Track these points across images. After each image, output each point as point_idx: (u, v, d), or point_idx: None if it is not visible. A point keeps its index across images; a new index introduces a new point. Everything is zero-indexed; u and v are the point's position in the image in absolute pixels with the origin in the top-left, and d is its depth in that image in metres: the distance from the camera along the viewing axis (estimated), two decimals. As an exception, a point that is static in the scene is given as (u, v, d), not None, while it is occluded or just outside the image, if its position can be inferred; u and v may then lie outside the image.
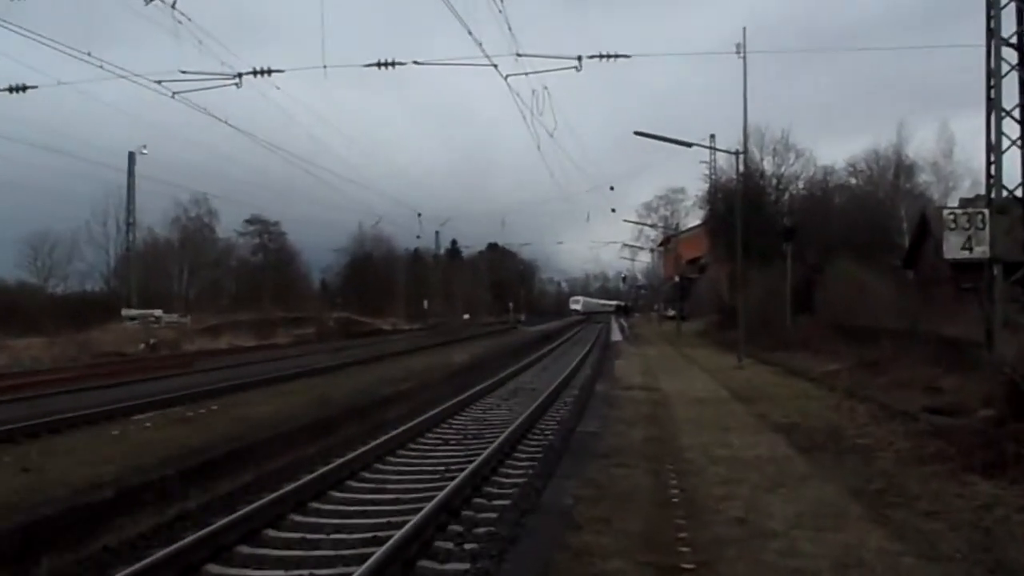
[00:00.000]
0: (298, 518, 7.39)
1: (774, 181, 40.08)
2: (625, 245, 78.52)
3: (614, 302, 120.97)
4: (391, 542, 6.01)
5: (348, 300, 65.33)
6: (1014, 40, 11.99)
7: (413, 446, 11.08)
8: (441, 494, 7.50)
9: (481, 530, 6.84)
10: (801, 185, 40.84)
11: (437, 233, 70.75)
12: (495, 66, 17.46)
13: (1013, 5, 11.93)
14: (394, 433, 11.25)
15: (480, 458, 9.20)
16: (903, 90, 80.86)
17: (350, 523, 7.22)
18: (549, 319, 79.67)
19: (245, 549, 6.45)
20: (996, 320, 12.00)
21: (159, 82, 17.11)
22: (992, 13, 11.97)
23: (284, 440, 10.19)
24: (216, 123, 20.53)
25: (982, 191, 13.71)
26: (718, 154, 41.45)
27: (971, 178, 39.75)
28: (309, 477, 8.44)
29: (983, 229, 12.15)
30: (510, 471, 9.33)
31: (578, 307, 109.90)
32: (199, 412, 12.11)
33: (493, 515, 7.31)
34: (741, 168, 29.24)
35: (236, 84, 17.28)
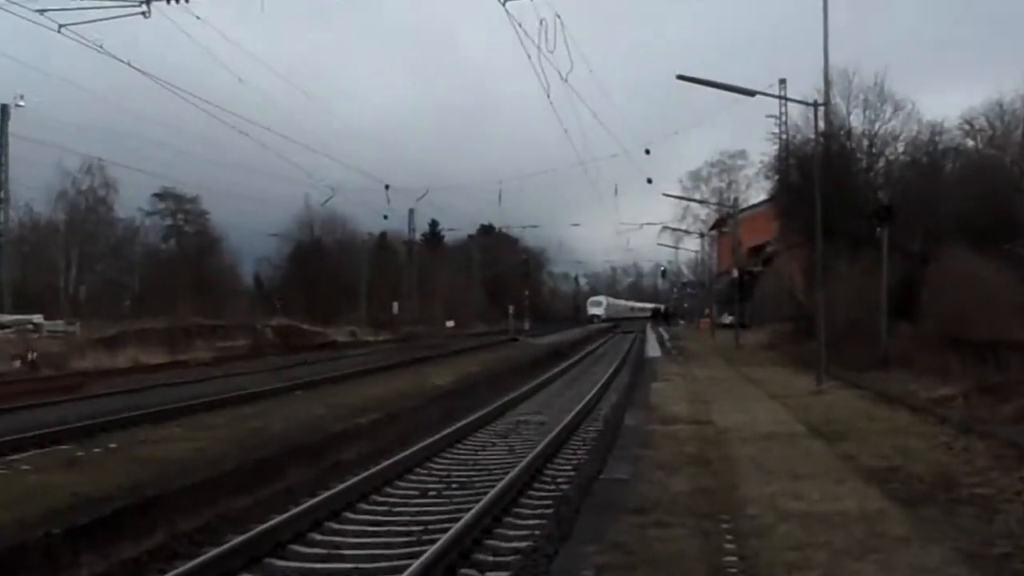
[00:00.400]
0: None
1: (865, 143, 39.96)
2: (665, 228, 78.81)
3: (649, 305, 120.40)
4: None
5: (291, 302, 65.39)
6: None
7: (378, 498, 11.09)
8: (412, 568, 7.52)
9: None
10: (901, 148, 40.67)
11: (411, 212, 70.69)
12: (490, -12, 17.48)
13: None
14: (352, 481, 11.25)
15: (468, 516, 9.21)
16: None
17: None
18: (563, 327, 79.64)
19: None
20: None
21: (42, 11, 17.11)
22: None
23: (205, 489, 10.18)
24: (116, 66, 20.54)
25: None
26: (791, 107, 41.67)
27: None
28: (238, 540, 8.46)
29: None
30: (509, 532, 9.34)
31: (599, 311, 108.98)
32: (93, 452, 12.08)
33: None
34: (821, 124, 29.25)
35: (143, 13, 17.32)
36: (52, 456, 11.87)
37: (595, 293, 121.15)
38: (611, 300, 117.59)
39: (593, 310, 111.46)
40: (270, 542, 8.64)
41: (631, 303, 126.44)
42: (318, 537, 9.23)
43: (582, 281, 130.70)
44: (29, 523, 7.98)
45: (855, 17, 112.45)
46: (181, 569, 7.50)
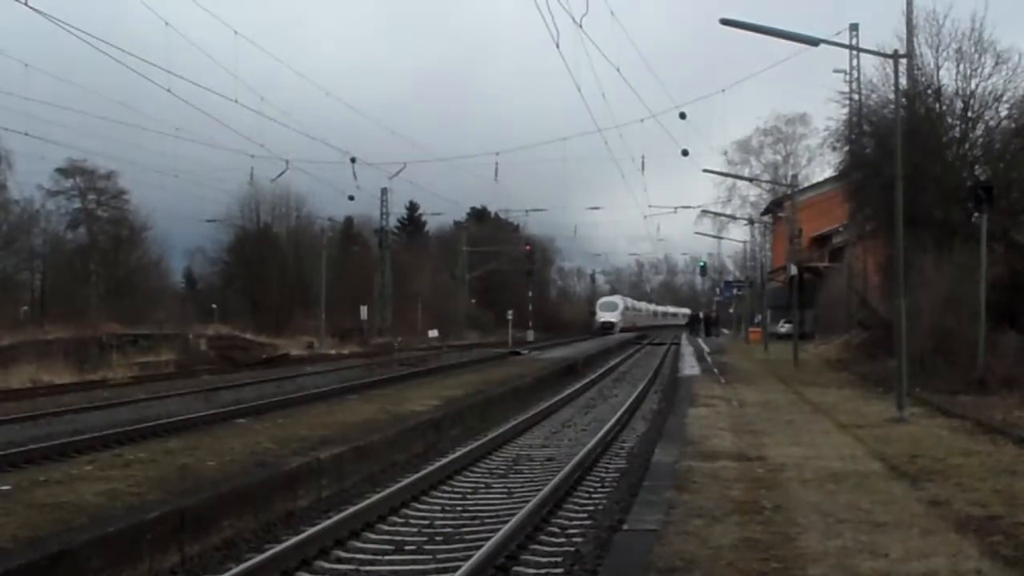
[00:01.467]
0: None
1: (959, 105, 39.90)
2: (705, 213, 78.91)
3: (683, 310, 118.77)
4: None
5: (232, 306, 65.57)
6: None
7: (342, 555, 11.08)
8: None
9: None
10: (1004, 112, 40.51)
11: (384, 192, 70.94)
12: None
13: None
14: (309, 532, 11.24)
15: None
16: None
17: None
18: (575, 337, 79.60)
19: None
20: None
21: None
22: None
23: (123, 543, 10.16)
24: (13, 7, 20.51)
25: None
26: (864, 59, 41.67)
27: None
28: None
29: None
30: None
31: (613, 317, 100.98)
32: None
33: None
34: (903, 83, 29.26)
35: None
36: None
37: (616, 293, 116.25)
38: (631, 302, 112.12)
39: (605, 316, 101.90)
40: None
41: (658, 307, 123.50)
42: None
43: (600, 279, 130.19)
44: None
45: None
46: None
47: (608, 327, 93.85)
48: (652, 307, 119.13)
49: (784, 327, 62.30)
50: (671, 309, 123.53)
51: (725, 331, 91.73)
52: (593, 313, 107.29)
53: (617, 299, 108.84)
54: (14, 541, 9.56)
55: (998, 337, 27.44)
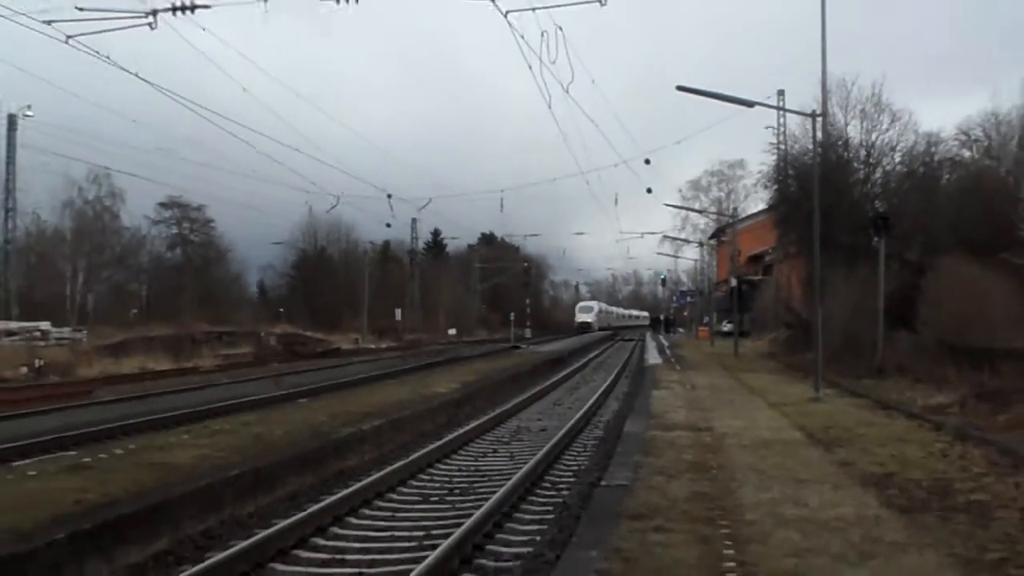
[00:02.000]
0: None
1: (863, 153, 39.82)
2: (665, 238, 78.70)
3: (645, 313, 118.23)
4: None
5: (295, 310, 65.51)
6: None
7: (382, 504, 11.09)
8: (418, 570, 7.51)
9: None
10: (898, 159, 40.51)
11: (414, 221, 71.05)
12: (492, -1, 17.51)
13: None
14: (356, 487, 11.26)
15: (469, 522, 9.20)
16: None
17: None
18: (563, 335, 79.57)
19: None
20: None
21: (49, 22, 17.11)
22: None
23: (210, 495, 10.18)
24: (123, 76, 20.52)
25: None
26: (789, 117, 41.57)
27: None
28: (243, 545, 8.45)
29: None
30: (511, 538, 9.34)
31: (589, 318, 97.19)
32: (99, 457, 12.05)
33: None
34: (819, 135, 29.23)
35: (150, 24, 17.35)
36: (57, 462, 11.84)
37: (595, 300, 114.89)
38: (604, 306, 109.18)
39: (583, 317, 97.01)
40: (273, 548, 8.64)
41: (627, 310, 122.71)
42: (321, 542, 9.23)
43: (583, 289, 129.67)
44: (32, 529, 7.96)
45: (853, 28, 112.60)
46: (184, 574, 7.51)
47: (586, 326, 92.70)
48: (621, 311, 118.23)
49: (727, 327, 62.12)
50: (635, 312, 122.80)
51: (680, 330, 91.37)
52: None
53: (593, 303, 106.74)
54: (126, 492, 9.59)
55: (893, 335, 27.45)
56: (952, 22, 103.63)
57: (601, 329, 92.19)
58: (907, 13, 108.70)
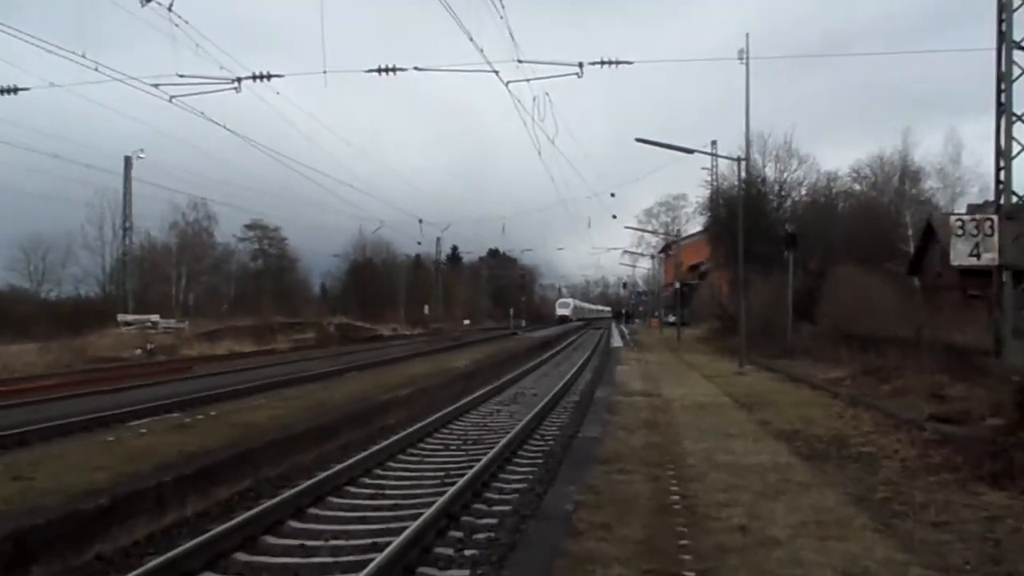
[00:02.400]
0: (296, 524, 7.35)
1: (776, 187, 39.95)
2: (626, 252, 78.80)
3: (607, 308, 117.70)
4: (391, 548, 5.97)
5: (348, 305, 65.22)
6: (1025, 43, 12.02)
7: (413, 451, 11.05)
8: (440, 501, 7.45)
9: (482, 536, 6.80)
10: (804, 191, 40.72)
11: (438, 239, 70.58)
12: (496, 72, 17.46)
13: (1024, 8, 11.96)
14: (393, 439, 11.22)
15: (478, 466, 9.15)
16: (909, 95, 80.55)
17: (348, 529, 7.18)
18: (550, 325, 79.62)
19: (243, 556, 6.41)
20: (1005, 328, 11.96)
21: (156, 85, 17.02)
22: (1004, 16, 11.95)
23: (282, 446, 10.13)
24: (215, 128, 20.45)
25: (991, 197, 13.67)
26: (720, 160, 41.55)
27: (979, 184, 39.96)
28: (307, 483, 8.41)
29: (992, 236, 12.12)
30: (510, 477, 9.28)
31: (567, 312, 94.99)
32: (197, 418, 12.02)
33: (494, 520, 7.28)
34: (743, 174, 29.24)
35: (235, 89, 17.24)
36: (164, 422, 11.81)
37: (572, 297, 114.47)
38: (578, 303, 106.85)
39: (562, 311, 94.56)
40: (330, 485, 8.59)
41: (595, 306, 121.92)
42: (367, 481, 9.18)
43: (564, 290, 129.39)
44: (145, 474, 7.92)
45: (771, 90, 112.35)
46: (262, 506, 7.46)
47: (565, 318, 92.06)
48: (591, 306, 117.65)
49: (671, 318, 62.00)
50: (602, 307, 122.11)
51: (637, 321, 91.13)
52: None
53: (569, 300, 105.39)
54: (217, 445, 9.55)
55: (799, 325, 27.45)
56: (847, 87, 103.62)
57: (576, 320, 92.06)
58: (812, 81, 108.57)
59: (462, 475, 8.72)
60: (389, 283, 73.87)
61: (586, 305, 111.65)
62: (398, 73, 17.68)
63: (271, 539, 6.88)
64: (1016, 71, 11.97)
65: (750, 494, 7.19)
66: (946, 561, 5.34)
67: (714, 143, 44.42)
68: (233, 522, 6.87)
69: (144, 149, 41.97)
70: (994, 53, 12.06)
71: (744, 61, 28.43)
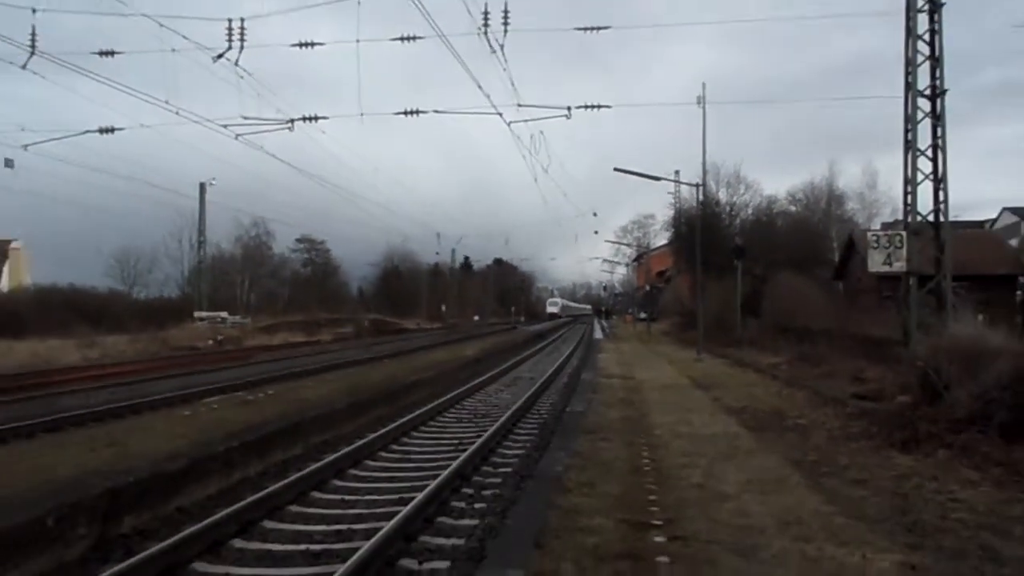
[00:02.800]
0: (338, 483, 7.36)
1: (728, 208, 40.14)
2: (605, 260, 78.55)
3: (589, 306, 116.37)
4: (414, 502, 5.98)
5: (380, 304, 65.14)
6: (928, 92, 12.10)
7: (432, 423, 11.05)
8: (454, 464, 7.47)
9: (488, 492, 6.81)
10: (750, 211, 40.90)
11: (453, 250, 70.44)
12: (500, 114, 17.39)
13: (927, 63, 12.04)
14: (418, 413, 11.23)
15: (486, 435, 9.17)
16: (834, 133, 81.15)
17: (380, 487, 7.20)
18: (543, 320, 79.65)
19: (296, 508, 6.44)
20: (912, 322, 12.03)
21: (225, 126, 17.04)
22: (909, 70, 12.07)
23: (326, 419, 10.15)
24: (272, 160, 20.53)
25: (900, 216, 13.71)
26: (682, 186, 41.42)
27: (891, 206, 39.95)
28: (347, 449, 8.42)
29: (901, 248, 12.28)
30: (513, 444, 9.29)
31: (555, 309, 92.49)
32: (257, 396, 12.06)
33: (498, 480, 7.30)
34: (700, 197, 29.31)
35: (289, 128, 17.20)
36: (231, 399, 11.83)
37: (561, 298, 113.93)
38: (565, 301, 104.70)
39: (551, 308, 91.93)
40: (367, 451, 8.61)
41: (580, 305, 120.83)
42: (396, 447, 9.19)
43: (555, 292, 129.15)
44: (216, 441, 7.95)
45: (723, 129, 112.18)
46: (310, 467, 7.48)
47: (554, 315, 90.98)
48: (576, 304, 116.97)
49: (642, 315, 61.89)
50: (585, 306, 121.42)
51: (614, 317, 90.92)
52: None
53: (558, 299, 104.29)
54: (274, 417, 9.57)
55: (746, 320, 27.43)
56: (785, 126, 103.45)
57: (565, 316, 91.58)
58: (756, 122, 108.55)
59: (472, 443, 8.73)
60: (413, 286, 73.80)
61: (573, 304, 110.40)
62: (421, 115, 17.66)
63: (318, 494, 6.90)
64: (920, 114, 12.06)
65: (706, 458, 7.21)
66: (863, 511, 5.36)
67: (677, 172, 44.11)
68: (287, 480, 6.89)
69: (215, 177, 42.01)
70: (902, 100, 12.15)
71: (702, 106, 28.35)
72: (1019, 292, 23.20)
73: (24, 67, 13.72)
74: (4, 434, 8.95)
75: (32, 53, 13.70)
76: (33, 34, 13.75)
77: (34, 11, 13.94)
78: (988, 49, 74.30)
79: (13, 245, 51.33)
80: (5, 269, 50.37)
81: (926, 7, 11.94)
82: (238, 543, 5.49)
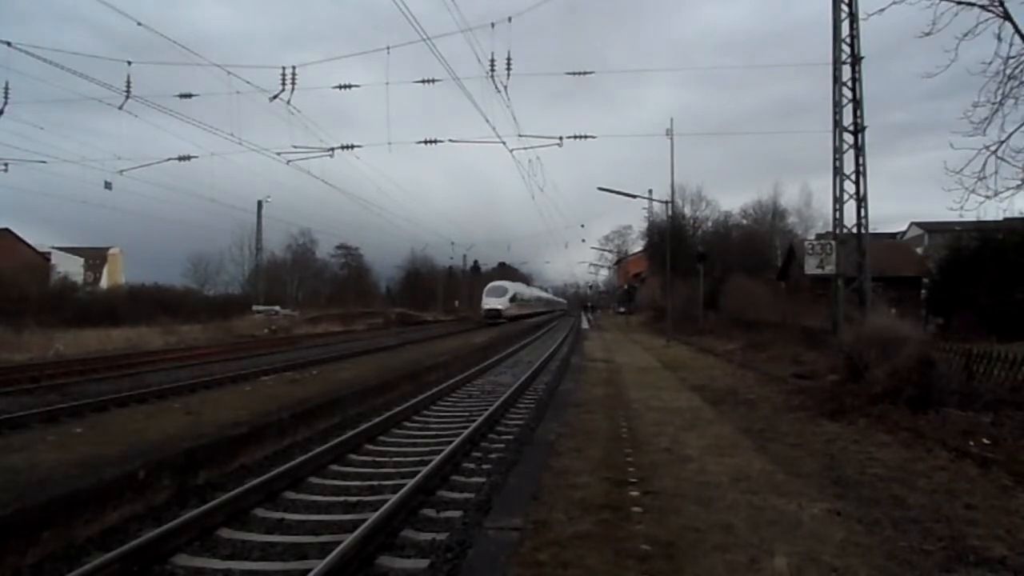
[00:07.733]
0: (371, 447, 7.42)
1: (692, 221, 40.18)
2: (591, 264, 78.30)
3: (563, 299, 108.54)
4: (433, 463, 6.04)
5: (404, 300, 65.25)
6: (851, 128, 12.16)
7: (448, 398, 11.08)
8: (465, 432, 7.52)
9: (493, 455, 6.86)
10: (710, 224, 40.98)
11: (464, 255, 70.80)
12: (504, 143, 17.53)
13: (851, 105, 12.13)
14: (435, 390, 11.25)
15: (491, 408, 9.21)
16: (777, 160, 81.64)
17: (405, 450, 7.25)
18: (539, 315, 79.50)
19: (336, 467, 6.51)
20: (839, 315, 12.12)
21: (278, 154, 17.21)
22: (836, 110, 12.18)
23: (360, 394, 10.20)
24: (317, 181, 20.77)
25: (831, 228, 13.74)
26: (654, 203, 41.36)
27: (823, 220, 40.05)
28: (377, 419, 8.47)
29: (831, 254, 12.42)
30: (514, 415, 9.32)
31: (499, 306, 46.36)
32: (304, 375, 12.13)
33: (502, 445, 7.34)
34: (670, 212, 29.29)
35: (330, 155, 17.32)
36: (283, 378, 11.89)
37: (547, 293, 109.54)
38: (520, 288, 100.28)
39: (492, 304, 43.11)
40: (393, 421, 8.65)
41: (552, 296, 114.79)
42: (417, 418, 9.23)
43: (549, 291, 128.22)
44: (271, 412, 8.00)
45: (688, 155, 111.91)
46: (347, 434, 7.53)
47: (494, 315, 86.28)
48: (546, 295, 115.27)
49: (622, 309, 61.83)
50: (558, 299, 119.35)
51: (599, 311, 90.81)
52: (550, 305, 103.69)
53: (506, 284, 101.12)
54: (318, 393, 9.62)
55: (707, 313, 27.38)
56: (737, 154, 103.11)
57: (521, 314, 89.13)
58: (714, 149, 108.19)
59: (480, 415, 8.78)
60: (431, 285, 73.93)
61: (559, 300, 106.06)
62: (438, 143, 17.75)
63: (354, 456, 6.95)
64: (845, 146, 12.20)
65: (673, 427, 7.24)
66: (799, 469, 5.41)
67: (650, 191, 44.19)
68: (329, 444, 6.95)
69: (270, 196, 42.68)
70: (831, 134, 12.24)
71: (670, 136, 28.40)
72: (923, 291, 23.29)
73: (120, 108, 13.98)
74: (106, 403, 9.08)
75: (127, 97, 13.97)
76: (128, 81, 14.02)
77: (129, 63, 14.18)
78: (895, 95, 75.01)
79: (111, 251, 52.30)
80: (104, 271, 51.03)
81: (848, 60, 12.04)
82: (290, 494, 5.56)
